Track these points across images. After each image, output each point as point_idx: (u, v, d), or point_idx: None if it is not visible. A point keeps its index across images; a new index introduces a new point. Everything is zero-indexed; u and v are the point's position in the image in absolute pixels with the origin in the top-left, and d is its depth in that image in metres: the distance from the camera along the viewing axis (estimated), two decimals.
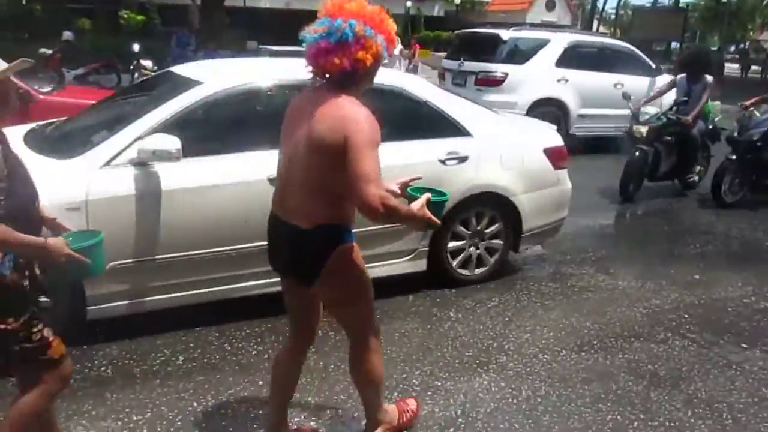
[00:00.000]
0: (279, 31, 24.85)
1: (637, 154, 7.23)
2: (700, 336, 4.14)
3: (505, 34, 10.09)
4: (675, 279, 5.14)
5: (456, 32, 12.94)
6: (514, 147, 4.75)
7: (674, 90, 7.82)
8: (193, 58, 18.31)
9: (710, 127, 7.77)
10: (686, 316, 4.44)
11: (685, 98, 7.29)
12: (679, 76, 7.74)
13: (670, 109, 7.38)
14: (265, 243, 2.58)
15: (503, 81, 9.59)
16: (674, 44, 25.07)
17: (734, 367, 3.76)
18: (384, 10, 2.30)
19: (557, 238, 5.45)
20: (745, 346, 4.04)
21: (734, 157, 7.19)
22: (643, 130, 7.16)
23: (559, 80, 9.74)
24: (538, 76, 9.67)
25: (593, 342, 3.98)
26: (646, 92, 10.55)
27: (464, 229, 4.57)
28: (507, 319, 4.23)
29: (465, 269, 4.67)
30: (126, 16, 22.14)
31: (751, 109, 7.48)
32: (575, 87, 9.79)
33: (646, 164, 7.27)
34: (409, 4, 37.48)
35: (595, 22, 50.71)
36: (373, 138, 2.16)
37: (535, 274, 5.09)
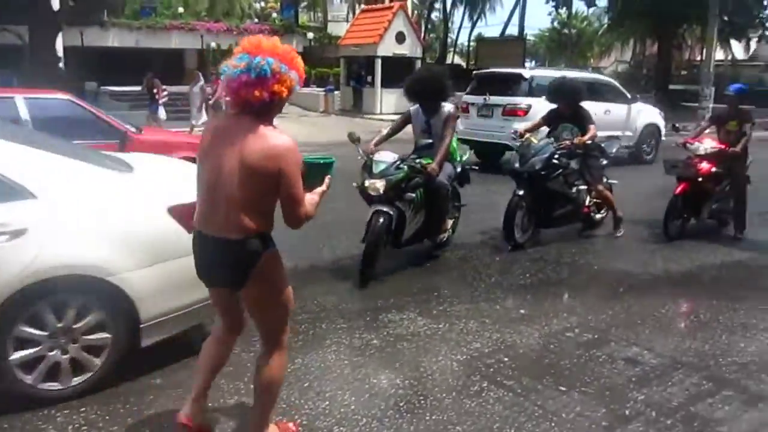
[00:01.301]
0: (129, 70, 23.67)
1: (381, 220, 5.35)
2: (518, 382, 3.79)
3: (527, 73, 12.54)
4: (499, 316, 4.84)
5: (474, 73, 14.77)
6: (117, 209, 3.50)
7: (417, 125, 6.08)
8: None
9: (458, 169, 6.19)
10: (506, 359, 4.10)
11: (429, 140, 5.82)
12: (412, 108, 6.05)
13: (414, 153, 5.85)
14: None
15: (528, 111, 11.30)
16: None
17: (550, 416, 3.41)
18: (294, 49, 2.67)
19: (382, 281, 5.03)
20: (563, 389, 3.72)
21: (521, 192, 6.47)
22: (380, 185, 5.31)
23: None
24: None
25: (400, 404, 3.50)
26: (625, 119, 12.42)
27: (36, 330, 3.24)
28: (306, 385, 3.68)
29: (53, 382, 3.35)
30: None
31: (528, 135, 6.74)
32: None
33: (389, 230, 5.48)
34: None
35: (450, 54, 52.86)
36: (298, 164, 2.57)
37: (351, 324, 4.60)
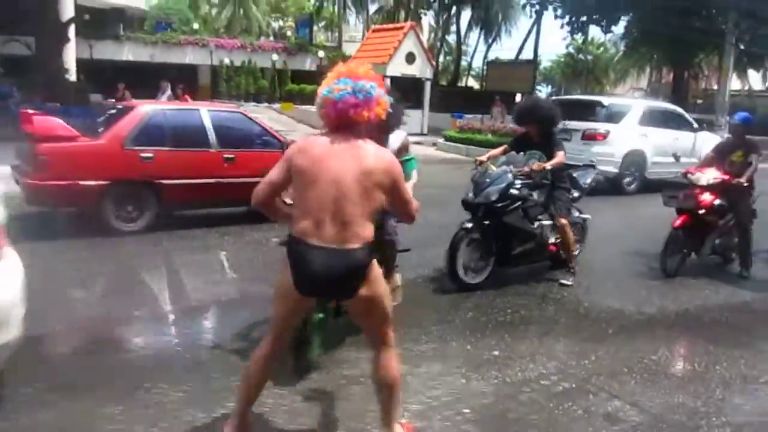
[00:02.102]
0: (143, 84, 23.56)
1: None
2: None
3: (605, 100, 13.78)
4: (468, 358, 4.37)
5: (553, 99, 15.48)
6: None
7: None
8: (15, 111, 16.84)
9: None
10: (466, 410, 3.62)
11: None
12: None
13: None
14: None
15: (606, 136, 12.43)
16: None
17: None
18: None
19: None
20: None
21: (470, 225, 5.75)
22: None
23: (641, 135, 12.76)
24: (629, 133, 12.69)
25: None
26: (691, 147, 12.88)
27: None
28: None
29: None
30: None
31: (487, 162, 6.01)
32: (651, 140, 12.76)
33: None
34: (275, 57, 37.04)
35: (465, 77, 52.70)
36: (402, 172, 2.94)
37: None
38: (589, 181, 6.85)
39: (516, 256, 6.10)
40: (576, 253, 6.56)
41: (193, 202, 8.03)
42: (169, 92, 16.07)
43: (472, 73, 56.30)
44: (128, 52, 35.33)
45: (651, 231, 7.49)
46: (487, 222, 5.77)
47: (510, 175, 5.78)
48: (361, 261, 2.76)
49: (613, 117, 12.79)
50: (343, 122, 2.80)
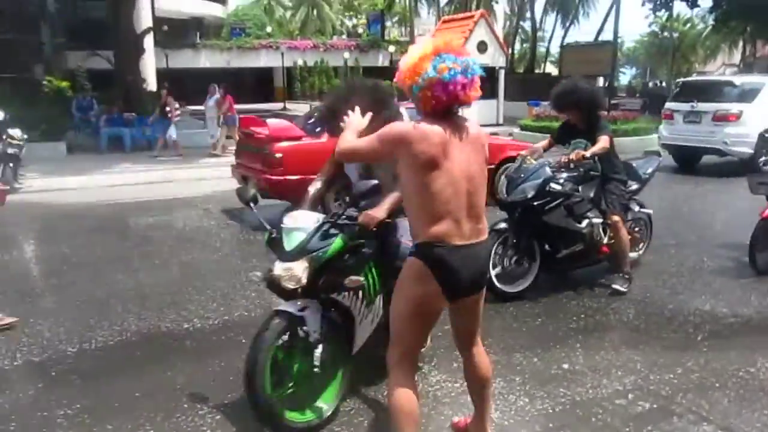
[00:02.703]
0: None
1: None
2: None
3: (737, 79, 13.31)
4: (535, 372, 3.93)
5: (681, 81, 15.47)
6: None
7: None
8: (95, 123, 17.47)
9: None
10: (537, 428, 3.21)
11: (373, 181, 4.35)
12: None
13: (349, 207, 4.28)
14: None
15: (740, 116, 11.95)
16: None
17: None
18: None
19: None
20: None
21: (501, 226, 5.13)
22: (300, 269, 3.21)
23: None
24: (762, 112, 11.98)
25: None
26: None
27: None
28: None
29: None
30: (48, 82, 21.02)
31: (527, 156, 5.38)
32: None
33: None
34: (347, 55, 37.08)
35: (544, 63, 51.23)
36: None
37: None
38: (650, 170, 6.06)
39: (562, 260, 5.40)
40: (635, 254, 5.90)
41: None
42: (217, 95, 16.17)
43: (551, 58, 54.63)
44: (205, 60, 36.25)
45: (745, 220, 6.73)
46: (524, 222, 5.16)
47: (548, 169, 5.16)
48: (490, 249, 2.87)
49: (746, 96, 12.22)
50: (452, 106, 2.58)
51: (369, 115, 3.00)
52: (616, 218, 5.33)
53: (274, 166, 7.83)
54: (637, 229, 6.00)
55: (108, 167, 13.93)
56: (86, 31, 27.42)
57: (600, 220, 5.49)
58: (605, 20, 37.02)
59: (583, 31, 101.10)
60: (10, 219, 8.79)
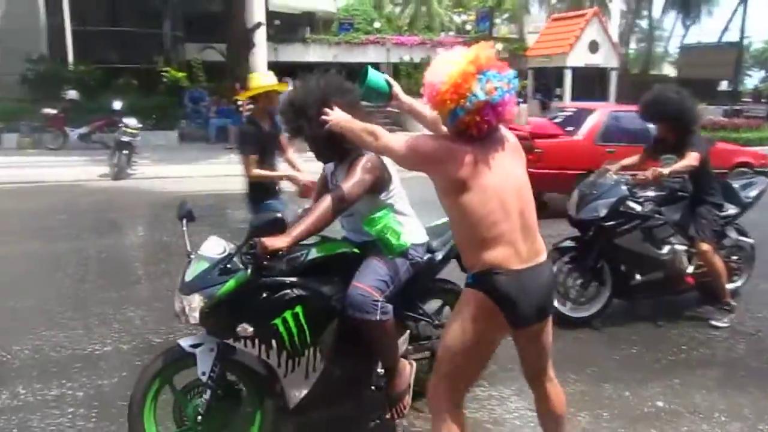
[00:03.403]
0: None
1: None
2: None
3: None
4: (625, 408, 3.63)
5: None
6: None
7: None
8: (206, 114, 18.17)
9: (415, 258, 3.63)
10: None
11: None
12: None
13: None
14: None
15: None
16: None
17: None
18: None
19: None
20: None
21: (567, 244, 4.83)
22: (194, 305, 2.80)
23: None
24: None
25: None
26: None
27: None
28: None
29: None
30: (166, 73, 22.15)
31: (606, 168, 4.92)
32: None
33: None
34: None
35: (661, 64, 48.73)
36: None
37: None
38: (755, 193, 5.36)
39: (637, 287, 4.90)
40: (733, 286, 5.28)
41: None
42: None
43: (669, 59, 51.85)
44: (313, 54, 36.98)
45: None
46: (594, 243, 4.72)
47: (624, 187, 4.69)
48: (553, 271, 2.57)
49: None
50: (495, 126, 2.38)
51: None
52: (705, 247, 4.79)
53: (534, 161, 8.19)
54: (735, 258, 5.37)
55: (215, 157, 14.45)
56: (202, 24, 28.63)
57: (684, 247, 4.95)
58: (731, 19, 34.60)
59: (705, 31, 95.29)
60: (119, 204, 9.26)
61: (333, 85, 2.99)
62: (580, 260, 4.78)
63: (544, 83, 24.03)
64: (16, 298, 5.29)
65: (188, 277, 2.75)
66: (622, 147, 8.39)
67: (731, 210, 5.19)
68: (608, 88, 22.70)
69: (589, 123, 9.18)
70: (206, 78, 22.62)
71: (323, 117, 2.75)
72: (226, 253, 2.77)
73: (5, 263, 6.41)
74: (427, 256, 3.23)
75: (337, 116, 2.73)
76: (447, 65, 2.32)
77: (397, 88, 2.93)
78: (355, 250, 3.07)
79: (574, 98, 21.93)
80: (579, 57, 22.18)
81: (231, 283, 2.67)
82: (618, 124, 9.16)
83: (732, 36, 34.00)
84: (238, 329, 2.68)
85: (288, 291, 2.76)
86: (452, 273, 3.34)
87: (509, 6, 48.43)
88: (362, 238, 3.10)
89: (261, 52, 24.46)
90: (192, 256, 2.84)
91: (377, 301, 2.84)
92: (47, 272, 6.05)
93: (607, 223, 4.65)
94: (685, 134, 4.82)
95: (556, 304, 4.48)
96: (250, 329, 2.69)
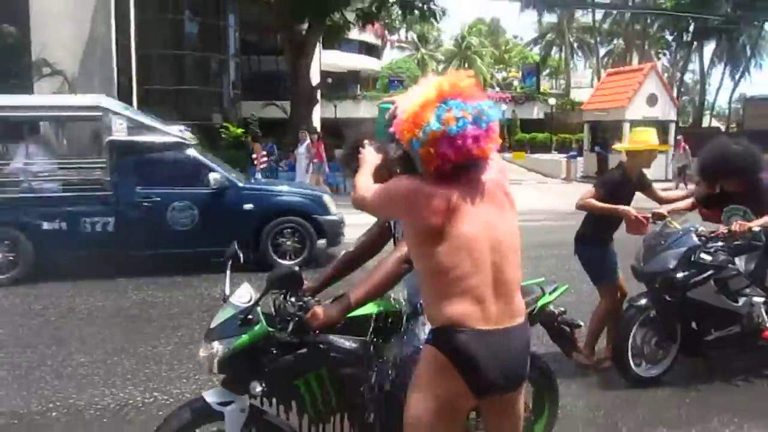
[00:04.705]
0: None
1: None
2: None
3: None
4: None
5: None
6: None
7: None
8: (275, 166, 18.65)
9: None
10: None
11: None
12: None
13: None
14: None
15: None
16: None
17: None
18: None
19: None
20: None
21: (644, 301, 4.45)
22: (212, 353, 2.68)
23: None
24: None
25: None
26: None
27: None
28: None
29: None
30: (225, 129, 22.92)
31: (668, 218, 4.62)
32: None
33: None
34: (504, 107, 37.24)
35: (706, 116, 48.54)
36: None
37: None
38: None
39: (711, 343, 4.53)
40: None
41: None
42: (307, 142, 16.35)
43: (714, 112, 51.70)
44: (364, 110, 37.90)
45: None
46: (668, 298, 4.36)
47: (694, 236, 4.44)
48: (529, 337, 2.18)
49: None
50: (463, 163, 2.04)
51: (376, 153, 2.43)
52: None
53: None
54: None
55: None
56: (258, 83, 29.77)
57: (762, 299, 4.61)
58: None
59: (755, 83, 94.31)
60: None
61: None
62: (655, 317, 4.48)
63: (602, 136, 24.08)
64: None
65: (213, 323, 2.60)
66: None
67: None
68: (668, 141, 22.63)
69: None
70: (264, 134, 23.26)
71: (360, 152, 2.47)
72: (251, 303, 2.54)
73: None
74: None
75: (364, 155, 2.43)
76: (413, 96, 2.07)
77: None
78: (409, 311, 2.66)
79: None
80: (637, 110, 22.22)
81: (245, 338, 2.47)
82: None
83: None
84: (250, 386, 2.46)
85: (312, 349, 2.48)
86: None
87: (552, 62, 49.25)
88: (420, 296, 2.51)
89: (317, 108, 25.18)
90: (229, 299, 2.65)
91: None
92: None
93: (678, 275, 4.34)
94: (755, 184, 4.58)
95: (632, 365, 4.34)
96: (259, 388, 2.46)
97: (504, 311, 2.06)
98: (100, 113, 7.60)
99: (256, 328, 2.46)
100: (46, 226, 7.33)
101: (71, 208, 7.38)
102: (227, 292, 2.67)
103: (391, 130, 2.13)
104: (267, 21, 24.40)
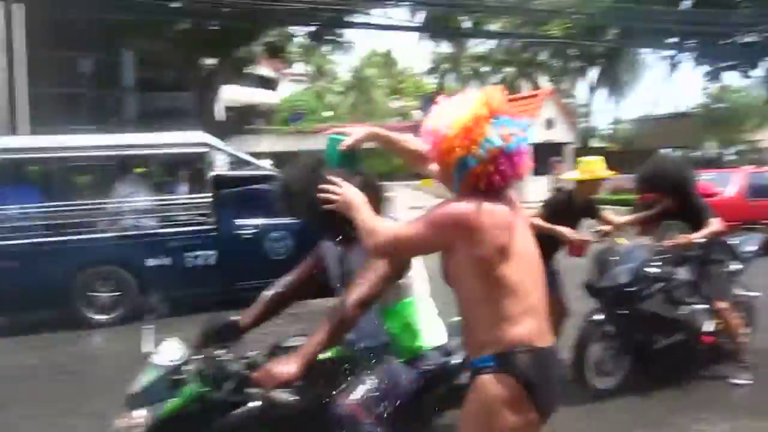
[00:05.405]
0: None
1: None
2: None
3: None
4: None
5: None
6: None
7: None
8: None
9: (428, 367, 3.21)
10: None
11: None
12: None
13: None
14: None
15: None
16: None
17: None
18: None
19: None
20: None
21: (599, 317, 4.66)
22: (137, 421, 2.37)
23: None
24: None
25: None
26: None
27: None
28: None
29: None
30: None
31: (612, 235, 5.01)
32: None
33: None
34: None
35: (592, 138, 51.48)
36: None
37: None
38: (752, 248, 5.48)
39: (660, 352, 4.84)
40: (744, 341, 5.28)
41: None
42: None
43: (599, 133, 54.87)
44: (265, 143, 37.42)
45: None
46: (620, 311, 4.63)
47: (644, 251, 4.79)
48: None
49: None
50: (512, 182, 2.02)
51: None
52: (722, 304, 4.88)
53: None
54: (739, 314, 5.31)
55: None
56: (159, 120, 28.82)
57: (703, 307, 4.98)
58: (658, 94, 37.35)
59: (634, 105, 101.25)
60: None
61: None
62: (612, 331, 4.69)
63: None
64: None
65: (135, 387, 2.26)
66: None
67: (735, 266, 5.26)
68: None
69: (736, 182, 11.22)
70: None
71: (331, 190, 2.17)
72: (179, 362, 2.25)
73: None
74: (442, 360, 2.59)
75: (347, 193, 2.17)
76: (454, 109, 1.98)
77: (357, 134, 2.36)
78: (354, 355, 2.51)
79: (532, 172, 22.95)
80: (535, 133, 23.36)
81: (177, 402, 2.18)
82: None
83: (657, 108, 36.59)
84: None
85: (255, 409, 2.22)
86: None
87: (448, 91, 50.80)
88: (374, 341, 2.51)
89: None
90: (151, 360, 2.31)
91: (362, 423, 2.28)
92: None
93: (632, 289, 4.61)
94: (690, 200, 4.94)
95: (590, 378, 4.58)
96: None
97: (549, 328, 2.07)
98: (207, 149, 7.75)
99: (188, 389, 2.20)
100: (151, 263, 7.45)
101: (176, 244, 7.62)
102: (149, 350, 2.33)
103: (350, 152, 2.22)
104: (167, 56, 23.81)
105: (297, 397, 2.22)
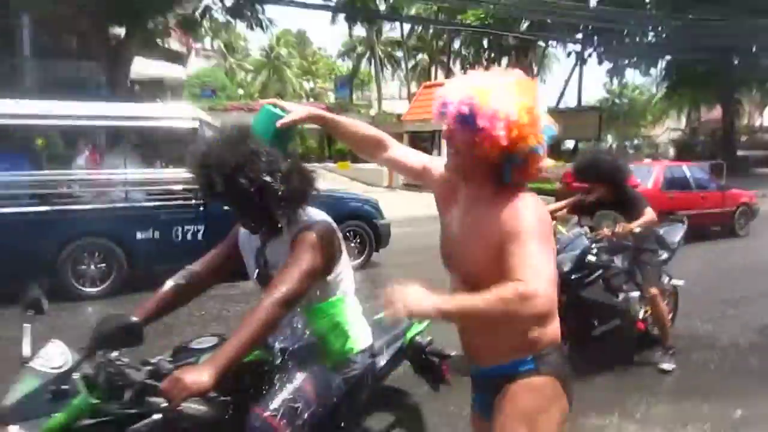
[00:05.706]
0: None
1: None
2: None
3: None
4: None
5: None
6: None
7: None
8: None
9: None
10: None
11: None
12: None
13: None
14: None
15: None
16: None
17: None
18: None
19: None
20: None
21: None
22: None
23: None
24: None
25: None
26: None
27: None
28: None
29: None
30: None
31: (553, 222, 5.31)
32: None
33: None
34: None
35: None
36: None
37: None
38: (677, 239, 5.68)
39: (597, 338, 4.92)
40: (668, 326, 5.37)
41: None
42: (86, 153, 15.52)
43: None
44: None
45: None
46: (561, 298, 4.81)
47: (585, 239, 4.84)
48: None
49: None
50: None
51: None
52: (654, 291, 4.99)
53: None
54: (665, 302, 5.47)
55: None
56: (61, 90, 27.09)
57: (637, 294, 5.14)
58: (565, 87, 38.81)
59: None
60: None
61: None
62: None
63: (423, 146, 25.30)
64: None
65: (8, 399, 1.86)
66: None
67: (664, 255, 5.44)
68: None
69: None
70: None
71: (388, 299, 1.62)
72: (65, 370, 1.89)
73: None
74: (367, 362, 2.40)
75: (407, 297, 1.62)
76: (510, 94, 1.75)
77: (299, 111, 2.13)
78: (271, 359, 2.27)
79: None
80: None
81: (59, 417, 1.82)
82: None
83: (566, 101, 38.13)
84: None
85: (155, 423, 1.92)
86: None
87: (362, 75, 50.72)
88: (298, 342, 2.29)
89: None
90: (27, 365, 1.94)
91: None
92: None
93: (573, 276, 4.68)
94: (623, 191, 5.04)
95: None
96: None
97: None
98: (198, 124, 7.68)
99: (76, 401, 1.85)
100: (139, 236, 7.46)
101: (165, 218, 7.57)
102: (27, 353, 1.95)
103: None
104: (71, 22, 22.34)
105: (207, 408, 2.00)
